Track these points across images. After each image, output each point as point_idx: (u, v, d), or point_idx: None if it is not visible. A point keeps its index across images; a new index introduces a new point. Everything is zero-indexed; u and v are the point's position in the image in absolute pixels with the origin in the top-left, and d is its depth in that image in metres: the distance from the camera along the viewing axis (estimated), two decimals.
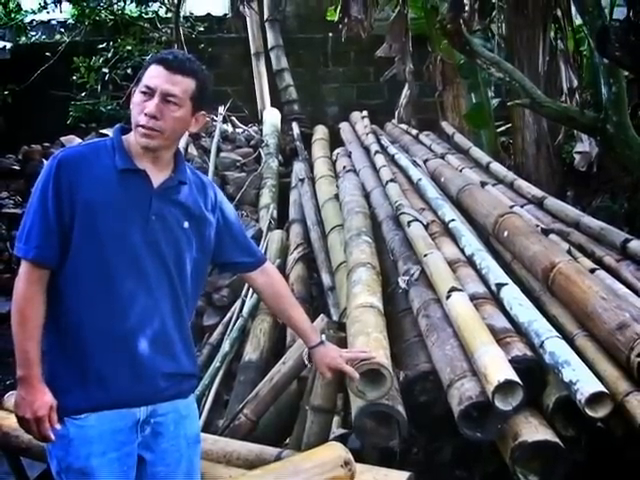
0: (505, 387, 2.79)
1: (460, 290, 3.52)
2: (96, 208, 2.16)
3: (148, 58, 2.42)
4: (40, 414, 2.14)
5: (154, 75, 2.23)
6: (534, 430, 2.87)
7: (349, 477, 2.35)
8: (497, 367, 2.85)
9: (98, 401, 2.18)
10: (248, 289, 4.93)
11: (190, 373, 2.40)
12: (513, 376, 2.79)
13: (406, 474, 2.75)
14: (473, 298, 3.56)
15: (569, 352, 2.96)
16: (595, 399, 2.73)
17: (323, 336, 2.73)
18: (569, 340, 3.25)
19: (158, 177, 2.27)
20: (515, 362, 3.00)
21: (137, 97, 2.24)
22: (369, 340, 3.11)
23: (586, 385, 2.74)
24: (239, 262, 2.59)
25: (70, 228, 2.16)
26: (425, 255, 3.98)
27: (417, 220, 4.52)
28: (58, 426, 2.17)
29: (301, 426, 3.37)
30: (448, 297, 3.45)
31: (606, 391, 2.74)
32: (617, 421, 2.98)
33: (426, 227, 4.50)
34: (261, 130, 7.89)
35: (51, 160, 2.20)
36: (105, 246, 2.17)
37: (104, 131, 8.10)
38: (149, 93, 2.22)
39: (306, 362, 2.89)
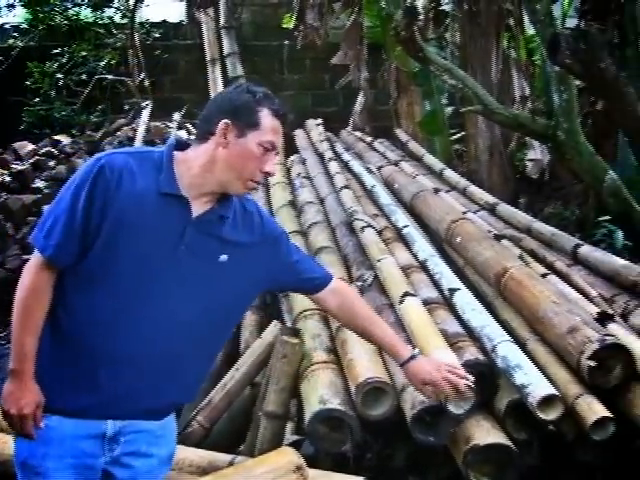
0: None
1: (413, 295, 3.52)
2: (125, 226, 2.04)
3: (257, 98, 2.12)
4: (25, 412, 2.05)
5: (276, 131, 2.12)
6: (486, 433, 2.88)
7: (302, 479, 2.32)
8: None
9: (66, 405, 2.09)
10: None
11: (168, 400, 2.23)
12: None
13: (359, 479, 2.73)
14: (426, 303, 3.57)
15: (521, 356, 2.97)
16: (546, 402, 2.75)
17: (416, 350, 2.46)
18: (521, 344, 3.26)
19: (200, 207, 2.13)
20: (467, 366, 2.96)
21: (256, 149, 2.09)
22: None
23: (537, 388, 2.75)
24: (304, 287, 2.46)
25: (94, 237, 2.04)
26: (378, 260, 3.97)
27: (370, 226, 4.52)
28: (42, 425, 2.08)
29: (254, 432, 3.34)
30: (401, 302, 3.44)
31: (557, 394, 2.76)
32: (568, 424, 3.01)
33: (379, 232, 4.50)
34: None
35: (94, 160, 2.07)
36: (123, 265, 2.05)
37: (58, 137, 8.00)
38: (270, 150, 2.12)
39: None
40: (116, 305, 2.06)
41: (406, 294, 3.51)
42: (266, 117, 2.10)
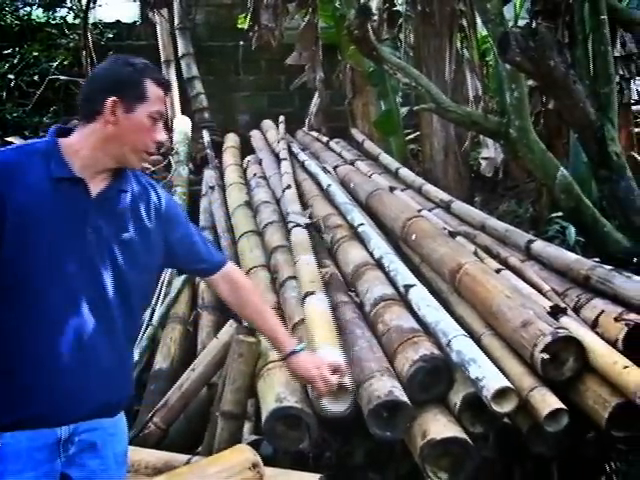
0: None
1: (314, 294, 3.58)
2: (28, 221, 1.99)
3: (139, 70, 2.13)
4: None
5: (160, 99, 2.13)
6: (443, 428, 2.90)
7: (258, 478, 2.31)
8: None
9: (17, 419, 2.03)
10: (157, 297, 4.83)
11: (120, 391, 2.22)
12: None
13: (317, 476, 2.72)
14: (382, 299, 3.60)
15: (475, 350, 2.99)
16: (501, 395, 2.78)
17: (300, 345, 2.53)
18: (476, 339, 3.29)
19: (97, 185, 2.11)
20: (423, 361, 3.03)
21: (146, 121, 2.11)
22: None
23: (492, 381, 2.77)
24: (194, 268, 2.48)
25: None
26: (295, 261, 4.07)
27: (298, 225, 4.63)
28: None
29: (212, 433, 3.32)
30: (303, 301, 3.53)
31: (511, 386, 2.79)
32: (523, 416, 3.05)
33: (309, 230, 4.62)
34: (171, 138, 7.77)
35: None
36: (35, 262, 2.00)
37: (10, 139, 7.85)
38: (158, 119, 2.13)
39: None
40: (35, 304, 2.02)
41: (307, 294, 3.56)
42: (151, 87, 2.12)
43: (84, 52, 8.08)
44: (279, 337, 2.50)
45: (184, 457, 3.05)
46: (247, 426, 3.47)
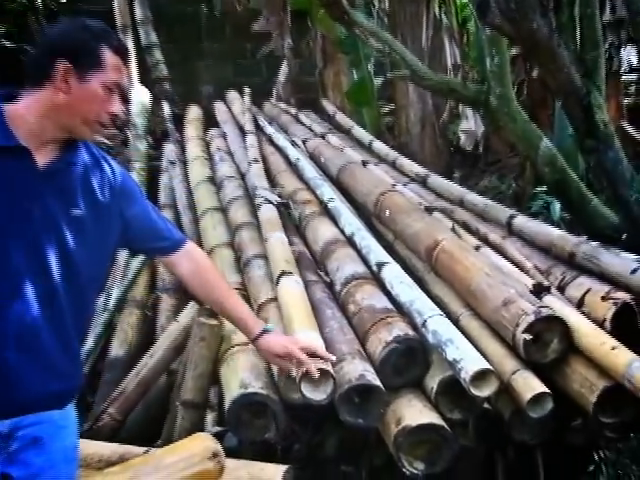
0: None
1: (290, 274, 3.54)
2: None
3: (96, 36, 2.05)
4: None
5: (118, 68, 2.06)
6: (418, 414, 2.88)
7: (218, 470, 2.28)
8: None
9: None
10: (113, 280, 4.76)
11: (68, 381, 2.14)
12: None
13: (283, 467, 2.70)
14: (353, 278, 3.59)
15: (453, 330, 2.97)
16: (480, 378, 2.75)
17: (270, 325, 2.55)
18: (453, 319, 3.28)
19: (44, 156, 2.03)
20: (396, 342, 3.01)
21: (100, 91, 2.03)
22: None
23: (470, 363, 2.75)
24: (151, 247, 2.42)
25: None
26: (266, 239, 4.05)
27: (269, 201, 4.59)
28: None
29: (171, 423, 3.29)
30: (277, 282, 3.48)
31: (491, 368, 2.77)
32: (504, 401, 3.04)
33: (279, 208, 4.58)
34: (128, 110, 7.67)
35: None
36: None
37: None
38: (114, 90, 2.06)
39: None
40: None
41: (282, 274, 3.52)
42: (108, 55, 2.04)
43: (33, 17, 7.94)
44: (246, 319, 2.48)
45: (141, 449, 2.99)
46: (210, 416, 3.43)
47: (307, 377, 2.66)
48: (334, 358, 2.72)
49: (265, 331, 2.46)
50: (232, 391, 3.02)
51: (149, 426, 3.59)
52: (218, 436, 3.20)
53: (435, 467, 2.91)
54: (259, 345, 2.47)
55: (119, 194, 2.20)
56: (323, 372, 2.67)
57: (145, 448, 3.04)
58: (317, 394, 2.80)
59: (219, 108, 7.98)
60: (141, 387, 3.55)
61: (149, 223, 2.34)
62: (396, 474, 3.00)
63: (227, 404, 3.00)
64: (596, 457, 3.32)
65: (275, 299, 3.52)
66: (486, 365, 2.77)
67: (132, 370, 3.68)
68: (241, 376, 3.06)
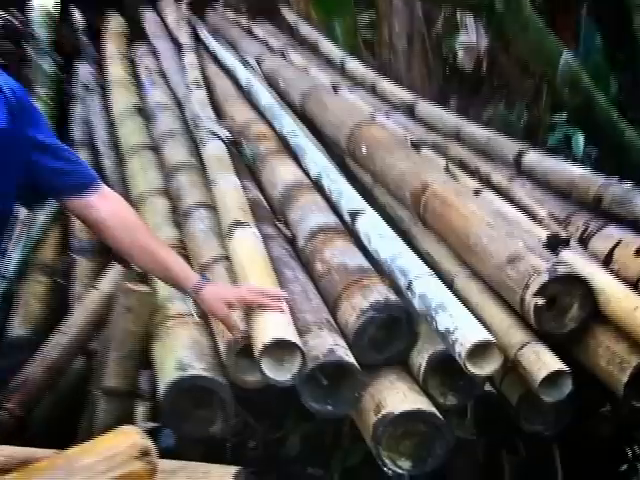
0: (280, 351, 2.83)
1: (247, 225, 3.57)
2: None
3: None
4: None
5: None
6: (402, 398, 2.93)
7: (148, 473, 2.29)
8: (270, 322, 2.89)
9: None
10: (12, 239, 4.75)
11: None
12: (286, 335, 2.82)
13: (232, 469, 2.73)
14: (320, 230, 3.64)
15: (445, 293, 3.00)
16: (480, 352, 2.76)
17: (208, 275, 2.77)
18: (447, 281, 3.32)
19: None
20: (375, 309, 3.04)
21: None
22: None
23: (467, 333, 2.76)
24: (59, 184, 2.48)
25: None
26: (213, 183, 4.08)
27: (216, 136, 4.61)
28: None
29: (90, 418, 3.32)
30: (229, 236, 3.51)
31: (493, 340, 2.79)
32: (511, 382, 3.11)
33: (227, 144, 4.59)
34: (26, 17, 7.57)
35: None
36: None
37: None
38: None
39: (195, 315, 2.86)
40: None
41: (237, 224, 3.55)
42: None
43: None
44: (185, 268, 2.66)
45: (49, 452, 3.02)
46: (140, 408, 3.46)
47: (269, 352, 2.74)
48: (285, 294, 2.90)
49: (204, 278, 2.67)
50: (168, 374, 3.04)
51: (61, 423, 3.62)
52: (151, 432, 3.25)
53: (424, 466, 2.96)
54: (202, 294, 2.68)
55: (19, 114, 2.23)
56: (289, 345, 2.74)
57: (54, 451, 3.07)
58: (281, 373, 2.83)
59: (149, 18, 7.92)
60: (50, 373, 3.57)
61: (55, 161, 2.41)
62: (375, 476, 3.07)
63: (161, 391, 3.02)
64: (629, 453, 3.39)
65: (223, 258, 3.56)
66: (487, 336, 2.78)
67: (38, 352, 3.69)
68: (179, 355, 3.09)
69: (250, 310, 2.89)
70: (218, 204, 3.93)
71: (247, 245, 3.44)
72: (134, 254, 2.76)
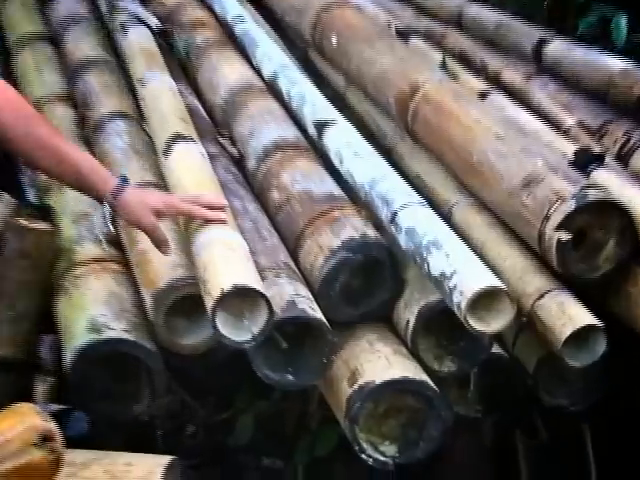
0: (239, 302, 2.76)
1: (190, 140, 3.56)
2: None
3: None
4: None
5: None
6: (385, 364, 2.94)
7: (51, 464, 2.30)
8: (225, 266, 2.83)
9: None
10: None
11: None
12: (250, 282, 2.76)
13: (163, 460, 2.73)
14: (276, 148, 3.64)
15: (440, 227, 2.99)
16: (485, 303, 2.75)
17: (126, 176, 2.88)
18: (443, 211, 3.38)
19: None
20: (348, 249, 3.05)
21: None
22: None
23: (469, 279, 2.75)
24: None
25: None
26: (141, 82, 4.05)
27: (140, 22, 4.60)
28: None
29: None
30: (167, 152, 3.48)
31: (502, 286, 2.77)
32: (527, 342, 3.15)
33: (157, 34, 4.62)
34: None
35: None
36: None
37: None
38: None
39: (110, 227, 2.91)
40: None
41: (176, 139, 3.52)
42: None
43: None
44: (93, 174, 2.77)
45: None
46: (42, 385, 3.45)
47: (223, 303, 2.69)
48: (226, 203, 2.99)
49: (126, 182, 2.78)
50: (77, 338, 3.02)
51: None
52: (56, 415, 3.25)
53: (414, 452, 2.98)
54: (122, 199, 2.78)
55: None
56: (253, 294, 2.70)
57: None
58: (239, 331, 2.78)
59: None
60: None
61: None
62: (352, 467, 3.09)
63: (69, 360, 3.01)
64: None
65: (150, 185, 3.55)
66: (495, 282, 2.77)
67: None
68: (92, 313, 3.08)
69: (186, 225, 2.97)
70: (148, 111, 3.92)
71: (191, 166, 3.42)
72: (31, 149, 2.76)
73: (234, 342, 2.75)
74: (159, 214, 2.88)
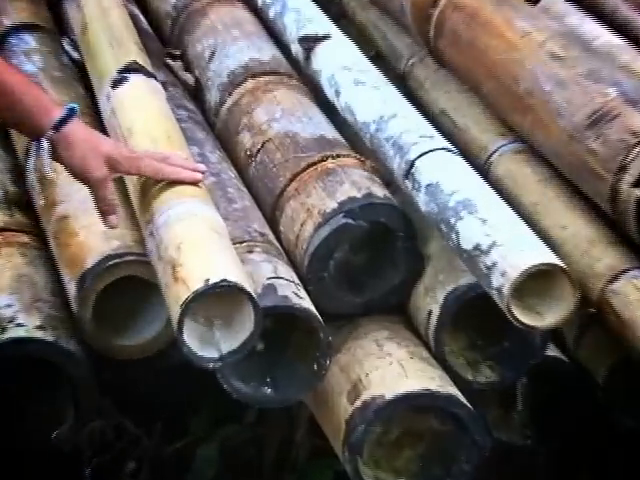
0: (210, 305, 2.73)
1: (143, 71, 3.59)
2: None
3: None
4: None
5: None
6: (398, 372, 3.01)
7: None
8: (211, 250, 2.78)
9: None
10: None
11: None
12: (243, 282, 2.69)
13: None
14: (247, 74, 3.71)
15: (474, 182, 3.07)
16: (537, 287, 2.81)
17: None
18: (478, 163, 3.45)
19: None
20: (347, 214, 3.10)
21: None
22: None
23: (514, 253, 2.80)
24: None
25: None
26: None
27: None
28: None
29: None
30: (117, 83, 3.51)
31: (559, 263, 2.82)
32: (595, 342, 3.21)
33: None
34: None
35: None
36: None
37: None
38: None
39: (49, 172, 2.93)
40: None
41: (130, 68, 3.55)
42: None
43: None
44: (44, 98, 2.91)
45: None
46: None
47: (200, 300, 2.64)
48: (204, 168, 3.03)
49: (73, 113, 2.87)
50: None
51: None
52: None
53: None
54: (67, 135, 2.85)
55: None
56: (239, 299, 2.68)
57: None
58: (205, 345, 2.73)
59: None
60: None
61: None
62: None
63: None
64: None
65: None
66: (550, 257, 2.82)
67: None
68: None
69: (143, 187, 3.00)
70: (80, 27, 3.98)
71: (148, 108, 3.43)
72: None
73: (196, 357, 2.70)
74: (113, 167, 2.90)
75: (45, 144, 2.82)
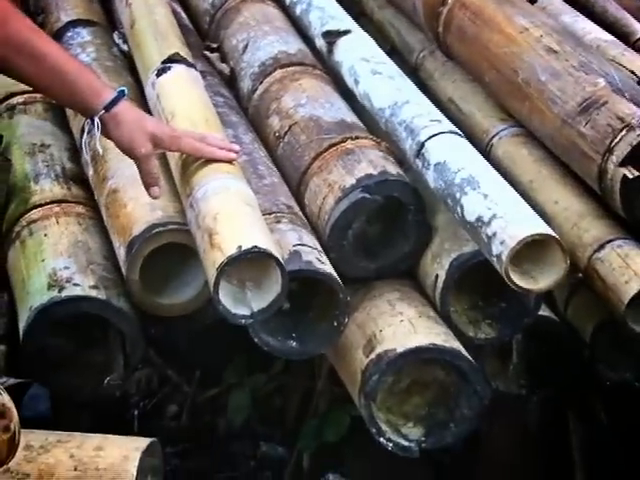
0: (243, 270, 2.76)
1: (183, 61, 3.57)
2: None
3: None
4: None
5: None
6: (408, 328, 3.02)
7: (5, 443, 2.34)
8: (244, 221, 2.81)
9: None
10: None
11: None
12: (272, 248, 2.72)
13: (141, 442, 2.75)
14: (276, 64, 3.72)
15: (478, 161, 3.06)
16: (532, 255, 2.80)
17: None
18: (482, 144, 3.44)
19: None
20: (364, 189, 3.11)
21: None
22: None
23: (512, 224, 2.78)
24: None
25: None
26: None
27: None
28: None
29: None
30: (161, 72, 3.51)
31: (553, 234, 2.80)
32: (582, 303, 3.22)
33: None
34: None
35: None
36: None
37: None
38: None
39: (99, 148, 2.98)
40: None
41: (174, 58, 3.55)
42: None
43: None
44: (85, 83, 2.90)
45: None
46: None
47: (234, 264, 2.68)
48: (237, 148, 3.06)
49: (123, 95, 2.91)
50: (33, 296, 3.10)
51: None
52: (13, 391, 3.30)
53: (442, 436, 3.06)
54: (117, 115, 2.91)
55: None
56: (267, 264, 2.72)
57: None
58: (238, 304, 2.78)
59: None
60: None
61: None
62: (367, 453, 3.14)
63: (22, 324, 3.09)
64: None
65: None
66: (544, 228, 2.81)
67: None
68: (51, 265, 3.16)
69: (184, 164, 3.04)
70: (129, 23, 3.96)
71: (189, 96, 3.43)
72: (8, 53, 2.85)
73: (230, 315, 2.76)
74: (157, 144, 2.95)
75: (97, 123, 2.84)
